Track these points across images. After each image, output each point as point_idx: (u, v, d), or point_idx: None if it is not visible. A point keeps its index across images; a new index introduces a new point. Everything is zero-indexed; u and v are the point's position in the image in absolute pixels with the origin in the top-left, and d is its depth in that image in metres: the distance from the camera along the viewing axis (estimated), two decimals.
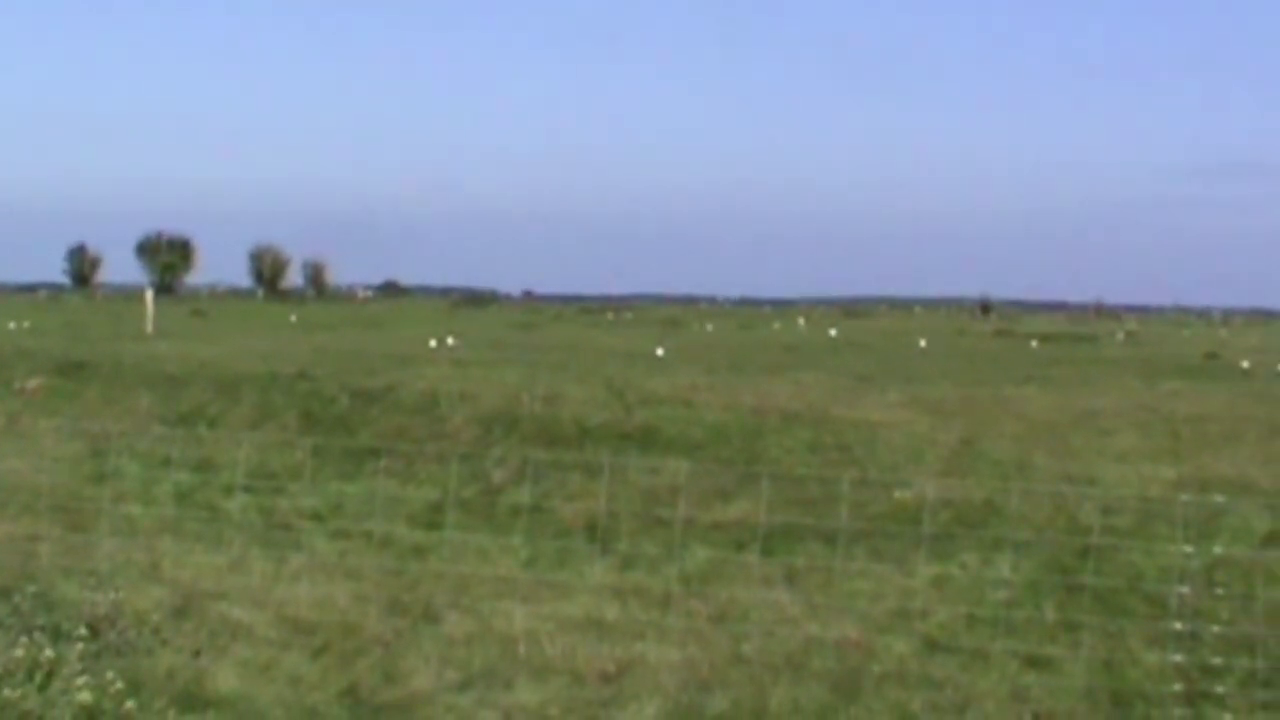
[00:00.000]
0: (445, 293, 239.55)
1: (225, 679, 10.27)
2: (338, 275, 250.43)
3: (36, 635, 10.08)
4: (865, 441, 23.19)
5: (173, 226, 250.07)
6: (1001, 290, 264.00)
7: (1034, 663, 11.08)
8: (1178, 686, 10.38)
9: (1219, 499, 16.52)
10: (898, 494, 17.75)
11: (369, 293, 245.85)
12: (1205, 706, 10.11)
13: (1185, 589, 12.38)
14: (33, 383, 30.03)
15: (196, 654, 10.80)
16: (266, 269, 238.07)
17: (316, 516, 16.82)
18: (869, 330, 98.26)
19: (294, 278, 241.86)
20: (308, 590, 12.96)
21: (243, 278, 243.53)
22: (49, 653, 9.71)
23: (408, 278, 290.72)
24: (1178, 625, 11.32)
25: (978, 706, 10.02)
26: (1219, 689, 10.39)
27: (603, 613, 12.42)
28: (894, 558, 14.32)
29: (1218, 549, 13.95)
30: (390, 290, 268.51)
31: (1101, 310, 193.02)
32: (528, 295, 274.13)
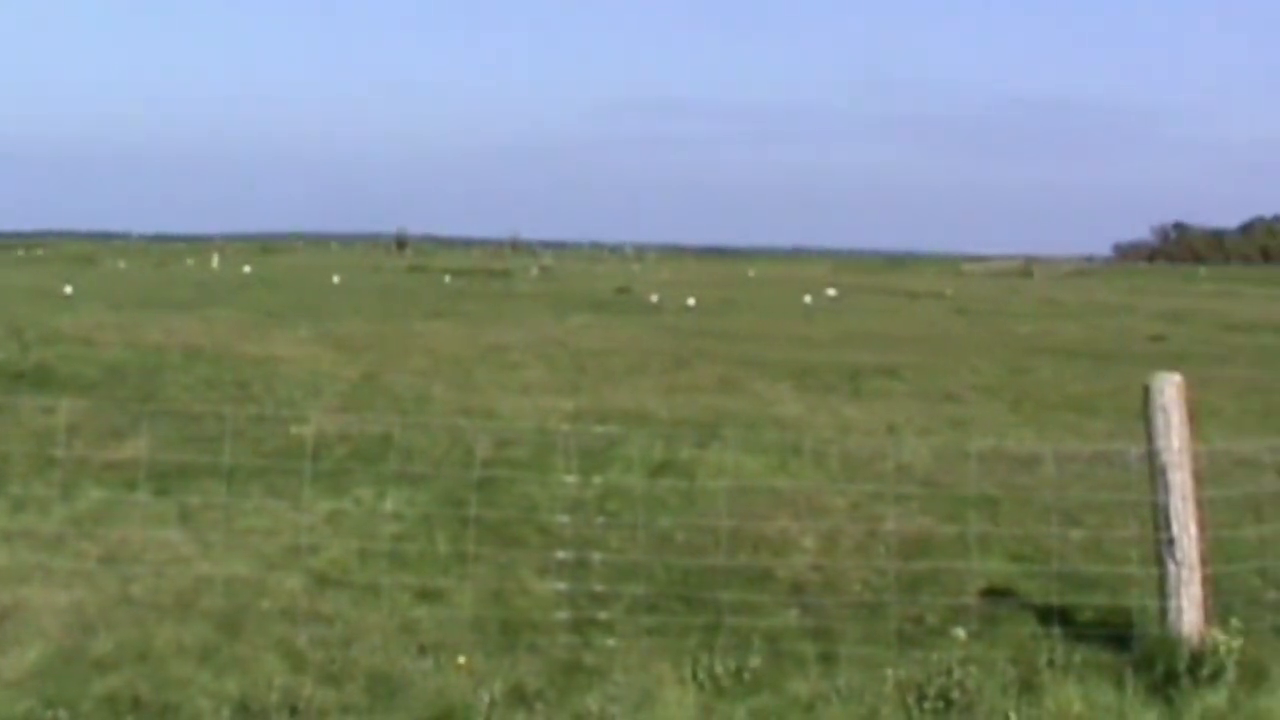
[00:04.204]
0: None
1: None
2: None
3: None
4: (265, 377, 23.09)
5: None
6: (419, 226, 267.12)
7: (425, 595, 11.11)
8: (565, 614, 10.56)
9: (609, 429, 17.00)
10: (294, 429, 17.60)
11: None
12: (592, 633, 10.31)
13: (566, 518, 12.69)
14: None
15: None
16: None
17: None
18: (284, 267, 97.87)
19: None
20: None
21: None
22: None
23: None
24: (560, 554, 11.55)
25: (365, 640, 9.96)
26: (605, 615, 10.63)
27: None
28: (289, 494, 14.12)
29: (598, 479, 14.35)
30: None
31: (517, 245, 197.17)
32: None
